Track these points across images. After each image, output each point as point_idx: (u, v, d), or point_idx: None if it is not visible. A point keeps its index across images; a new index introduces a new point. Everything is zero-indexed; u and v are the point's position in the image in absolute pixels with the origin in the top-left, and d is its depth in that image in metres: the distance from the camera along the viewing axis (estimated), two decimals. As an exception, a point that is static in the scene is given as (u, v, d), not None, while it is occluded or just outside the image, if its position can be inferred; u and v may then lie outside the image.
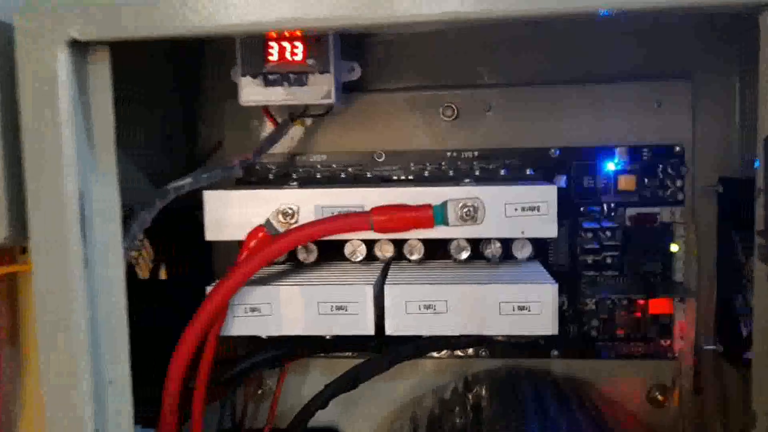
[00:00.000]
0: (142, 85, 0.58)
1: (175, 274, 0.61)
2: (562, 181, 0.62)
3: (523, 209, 0.52)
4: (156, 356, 0.45)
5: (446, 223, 0.52)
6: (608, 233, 0.62)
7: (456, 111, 0.64)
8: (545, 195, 0.52)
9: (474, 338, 0.58)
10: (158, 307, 0.58)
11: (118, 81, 0.40)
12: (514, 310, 0.49)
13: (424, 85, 0.63)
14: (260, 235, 0.51)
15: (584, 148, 0.61)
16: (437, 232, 0.51)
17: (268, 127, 0.62)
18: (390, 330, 0.50)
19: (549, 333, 0.49)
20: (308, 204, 0.52)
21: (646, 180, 0.61)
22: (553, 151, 0.63)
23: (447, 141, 0.62)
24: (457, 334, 0.50)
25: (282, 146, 0.62)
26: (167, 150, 0.63)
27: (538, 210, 0.52)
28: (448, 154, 0.64)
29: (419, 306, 0.50)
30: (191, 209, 0.54)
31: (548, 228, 0.52)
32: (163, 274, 0.60)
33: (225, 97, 0.62)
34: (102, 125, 0.39)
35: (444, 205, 0.52)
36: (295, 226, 0.51)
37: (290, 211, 0.53)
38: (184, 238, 0.59)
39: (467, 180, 0.55)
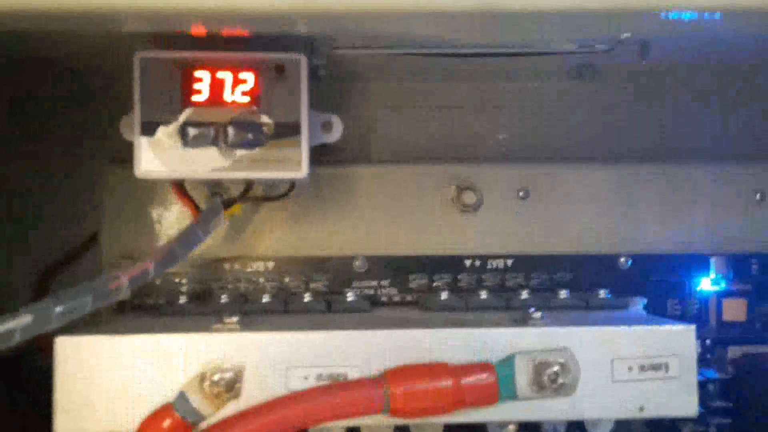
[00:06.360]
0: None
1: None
2: (639, 305, 0.41)
3: (642, 368, 0.31)
4: None
5: (514, 396, 0.29)
6: (712, 387, 0.41)
7: (479, 197, 0.42)
8: (678, 343, 0.31)
9: None
10: None
11: None
12: None
13: (430, 155, 0.44)
14: (166, 425, 0.28)
15: (666, 255, 0.43)
16: (491, 412, 0.30)
17: (182, 216, 0.39)
18: None
19: None
20: (259, 361, 0.29)
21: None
22: (623, 260, 0.42)
23: (464, 241, 0.42)
24: None
25: (203, 245, 0.38)
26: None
27: (666, 369, 0.31)
28: (467, 262, 0.41)
29: None
30: (30, 353, 0.34)
31: (683, 401, 0.31)
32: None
33: (100, 160, 0.41)
34: None
35: (510, 363, 0.29)
36: (232, 406, 0.29)
37: (226, 377, 0.29)
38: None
39: (533, 311, 0.32)
